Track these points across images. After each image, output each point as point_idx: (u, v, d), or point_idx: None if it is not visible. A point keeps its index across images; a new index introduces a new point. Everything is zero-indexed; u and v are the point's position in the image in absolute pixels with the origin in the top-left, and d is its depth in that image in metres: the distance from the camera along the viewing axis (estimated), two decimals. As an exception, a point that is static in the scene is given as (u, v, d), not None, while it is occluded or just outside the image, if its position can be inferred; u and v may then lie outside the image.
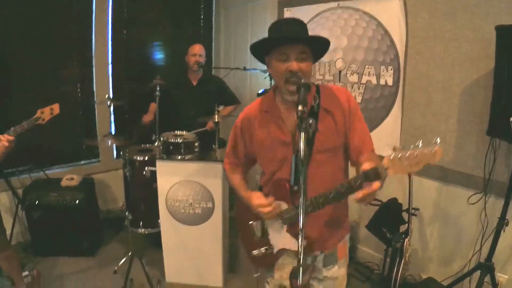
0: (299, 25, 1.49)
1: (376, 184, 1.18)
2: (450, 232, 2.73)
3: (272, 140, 1.58)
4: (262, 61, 1.59)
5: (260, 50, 1.54)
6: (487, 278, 2.33)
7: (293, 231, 1.56)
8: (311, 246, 1.56)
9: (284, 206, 1.56)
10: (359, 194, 1.21)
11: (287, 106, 1.54)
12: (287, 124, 1.55)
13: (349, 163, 1.65)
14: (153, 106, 3.39)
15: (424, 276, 2.83)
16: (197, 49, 3.46)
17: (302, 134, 1.24)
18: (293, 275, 1.14)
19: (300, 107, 1.25)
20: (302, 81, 1.34)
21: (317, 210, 1.43)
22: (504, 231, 2.31)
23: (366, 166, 1.22)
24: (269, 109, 1.60)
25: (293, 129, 1.53)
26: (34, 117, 2.25)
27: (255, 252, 1.69)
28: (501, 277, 2.49)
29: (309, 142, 1.49)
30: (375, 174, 1.18)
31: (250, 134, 1.66)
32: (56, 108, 2.31)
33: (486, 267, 2.34)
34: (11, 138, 2.12)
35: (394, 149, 1.12)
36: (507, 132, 2.00)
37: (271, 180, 1.64)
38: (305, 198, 1.22)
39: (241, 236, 1.87)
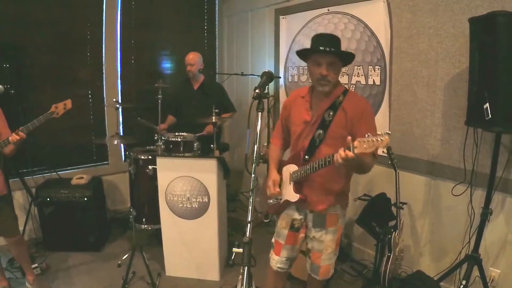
0: (333, 39, 1.93)
1: (348, 153, 1.55)
2: (440, 226, 2.76)
3: (299, 118, 2.07)
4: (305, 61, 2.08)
5: (303, 56, 2.04)
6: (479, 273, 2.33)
7: (296, 188, 2.05)
8: (303, 203, 2.06)
9: (295, 168, 2.04)
10: (336, 157, 1.61)
11: (318, 95, 2.03)
12: (314, 108, 2.04)
13: None
14: (170, 118, 3.85)
15: (417, 272, 2.83)
16: (189, 59, 3.70)
17: (260, 114, 1.57)
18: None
19: (257, 90, 1.56)
20: (267, 71, 1.84)
21: (305, 175, 1.95)
22: (488, 221, 2.33)
23: (342, 148, 1.61)
24: (305, 95, 2.09)
25: (316, 113, 2.01)
26: (49, 111, 2.47)
27: (269, 200, 2.19)
28: (493, 271, 2.48)
29: (325, 127, 1.97)
30: (348, 149, 1.57)
31: (290, 111, 2.17)
32: (68, 103, 2.54)
33: (473, 259, 2.35)
34: (23, 135, 2.35)
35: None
36: (482, 119, 2.05)
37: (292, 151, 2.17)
38: (257, 160, 1.44)
39: (262, 190, 2.42)
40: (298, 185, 2.07)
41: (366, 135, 1.47)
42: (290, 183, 2.09)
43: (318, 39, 1.96)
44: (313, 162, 1.89)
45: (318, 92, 2.00)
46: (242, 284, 1.26)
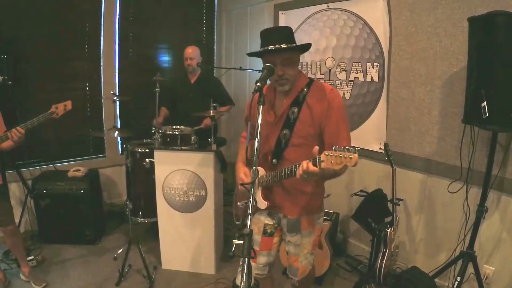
0: (282, 33, 1.73)
1: (311, 167, 1.42)
2: (436, 223, 2.79)
3: (262, 119, 1.82)
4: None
5: (258, 56, 1.85)
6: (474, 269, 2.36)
7: (264, 193, 1.89)
8: (275, 208, 1.95)
9: (263, 173, 1.88)
10: (299, 171, 1.48)
11: (279, 95, 1.88)
12: (276, 108, 1.88)
13: None
14: (164, 111, 3.82)
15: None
16: (188, 53, 3.69)
17: (260, 107, 1.49)
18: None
19: (258, 83, 1.49)
20: (267, 64, 1.66)
21: (272, 183, 1.79)
22: (484, 218, 2.36)
23: (306, 161, 1.46)
24: (268, 94, 1.92)
25: (279, 111, 1.85)
26: (49, 111, 2.49)
27: (239, 203, 2.07)
28: (487, 269, 2.51)
29: (290, 127, 1.80)
30: (313, 163, 1.43)
31: (254, 111, 1.95)
32: (69, 104, 2.57)
33: (468, 256, 2.38)
34: (22, 131, 2.35)
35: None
36: (480, 118, 2.07)
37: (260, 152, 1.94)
38: (257, 158, 1.47)
39: (236, 194, 2.20)
40: (267, 190, 1.92)
41: (334, 148, 1.34)
42: (258, 188, 1.90)
43: (267, 36, 1.75)
44: (279, 170, 1.72)
45: (279, 91, 1.86)
46: (242, 276, 1.26)
